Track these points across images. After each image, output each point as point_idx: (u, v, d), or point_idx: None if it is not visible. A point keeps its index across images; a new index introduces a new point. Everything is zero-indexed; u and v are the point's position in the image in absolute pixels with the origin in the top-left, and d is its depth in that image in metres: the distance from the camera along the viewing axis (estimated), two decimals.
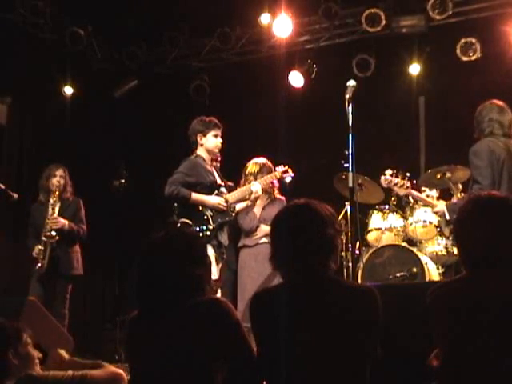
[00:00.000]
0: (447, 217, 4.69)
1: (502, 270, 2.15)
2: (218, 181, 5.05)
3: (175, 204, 4.84)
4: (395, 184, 4.94)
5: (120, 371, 2.98)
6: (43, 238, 5.50)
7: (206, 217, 4.84)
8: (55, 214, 5.61)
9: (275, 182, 5.37)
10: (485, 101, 4.49)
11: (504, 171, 4.26)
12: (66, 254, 5.67)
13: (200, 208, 4.86)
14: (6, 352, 2.68)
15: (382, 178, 5.00)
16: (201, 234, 4.70)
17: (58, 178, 5.74)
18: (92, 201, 6.19)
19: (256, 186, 5.09)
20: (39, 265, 5.49)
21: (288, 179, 5.32)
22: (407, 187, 4.94)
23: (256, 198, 5.14)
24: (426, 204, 5.36)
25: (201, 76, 7.76)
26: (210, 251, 4.66)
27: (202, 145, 5.02)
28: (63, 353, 2.86)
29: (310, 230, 2.34)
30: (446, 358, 2.15)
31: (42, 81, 7.17)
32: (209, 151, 5.04)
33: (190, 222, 4.79)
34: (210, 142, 5.03)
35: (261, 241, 5.21)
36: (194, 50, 7.87)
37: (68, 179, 5.84)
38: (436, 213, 4.90)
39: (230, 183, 5.19)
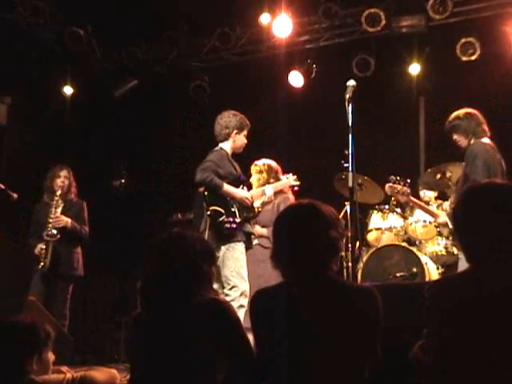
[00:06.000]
0: (450, 226, 4.72)
1: (502, 265, 2.08)
2: (242, 176, 4.99)
3: (206, 192, 4.74)
4: (397, 192, 5.12)
5: (113, 370, 3.00)
6: (45, 237, 5.48)
7: (233, 209, 4.75)
8: (58, 213, 5.60)
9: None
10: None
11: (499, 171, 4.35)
12: (67, 253, 5.65)
13: (228, 200, 4.76)
14: (32, 357, 2.64)
15: (387, 185, 5.18)
16: (227, 226, 4.63)
17: (63, 178, 5.75)
18: (92, 201, 6.18)
19: (269, 190, 5.09)
20: (42, 264, 5.46)
21: (296, 187, 5.43)
22: (408, 194, 5.13)
23: (269, 199, 5.15)
24: (427, 212, 5.41)
25: (201, 76, 7.75)
26: (241, 248, 4.69)
27: (233, 141, 4.93)
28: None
29: (313, 231, 2.32)
30: (440, 356, 2.13)
31: (42, 81, 7.17)
32: (235, 149, 4.98)
33: (222, 211, 4.68)
34: (241, 141, 4.98)
35: (254, 242, 5.16)
36: (194, 50, 7.86)
37: (72, 180, 5.84)
38: (439, 224, 5.03)
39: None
